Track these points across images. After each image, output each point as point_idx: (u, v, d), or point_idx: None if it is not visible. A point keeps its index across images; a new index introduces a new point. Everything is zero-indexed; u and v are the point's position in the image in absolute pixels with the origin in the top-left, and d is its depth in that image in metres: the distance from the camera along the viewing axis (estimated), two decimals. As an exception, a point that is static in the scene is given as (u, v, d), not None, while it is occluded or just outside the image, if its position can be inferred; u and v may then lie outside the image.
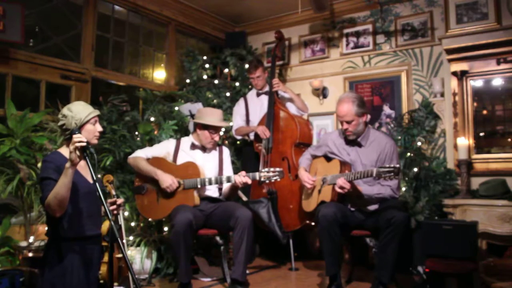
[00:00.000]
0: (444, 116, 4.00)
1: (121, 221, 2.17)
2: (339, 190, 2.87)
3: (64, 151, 2.16)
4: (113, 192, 2.26)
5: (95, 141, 2.19)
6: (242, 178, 3.03)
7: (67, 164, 1.93)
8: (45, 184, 2.02)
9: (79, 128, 2.11)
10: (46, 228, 2.14)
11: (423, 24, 4.35)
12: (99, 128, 2.20)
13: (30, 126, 3.12)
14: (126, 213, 3.45)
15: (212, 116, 3.25)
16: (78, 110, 2.13)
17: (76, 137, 1.94)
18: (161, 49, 4.93)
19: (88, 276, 2.08)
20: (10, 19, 3.21)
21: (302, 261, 4.02)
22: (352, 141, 3.12)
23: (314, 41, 5.06)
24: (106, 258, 2.18)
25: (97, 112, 2.19)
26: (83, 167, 2.18)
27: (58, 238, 2.06)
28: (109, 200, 2.17)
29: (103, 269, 2.16)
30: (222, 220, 3.08)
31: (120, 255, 2.14)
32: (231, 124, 4.37)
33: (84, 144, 1.93)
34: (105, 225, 2.20)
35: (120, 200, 2.19)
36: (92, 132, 2.16)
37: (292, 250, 3.78)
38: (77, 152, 1.92)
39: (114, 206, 2.15)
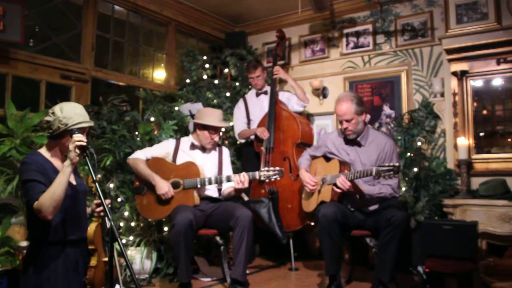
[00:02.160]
0: (444, 116, 3.99)
1: (111, 223, 2.12)
2: (338, 190, 2.87)
3: (45, 151, 2.08)
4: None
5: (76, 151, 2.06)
6: (241, 177, 3.02)
7: (66, 163, 1.91)
8: (30, 186, 1.92)
9: (64, 133, 1.99)
10: (27, 232, 2.07)
11: (423, 24, 4.35)
12: (83, 139, 2.04)
13: (30, 126, 3.12)
14: (126, 213, 3.45)
15: (212, 116, 3.25)
16: (70, 115, 2.01)
17: (77, 136, 1.92)
18: (161, 49, 4.93)
19: (74, 282, 2.02)
20: (10, 19, 3.20)
21: (302, 261, 4.02)
22: (352, 141, 3.12)
23: (314, 41, 5.06)
24: (93, 262, 2.09)
25: (88, 124, 2.07)
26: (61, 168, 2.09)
27: (42, 242, 1.99)
28: (95, 202, 2.11)
29: (90, 273, 2.06)
30: (222, 220, 3.08)
31: (106, 259, 2.06)
32: (231, 124, 4.38)
33: (84, 144, 1.92)
34: (91, 228, 2.10)
35: (107, 201, 2.07)
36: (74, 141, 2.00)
37: (292, 250, 3.78)
38: (77, 151, 1.91)
39: (101, 208, 2.05)
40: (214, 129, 3.24)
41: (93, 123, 2.16)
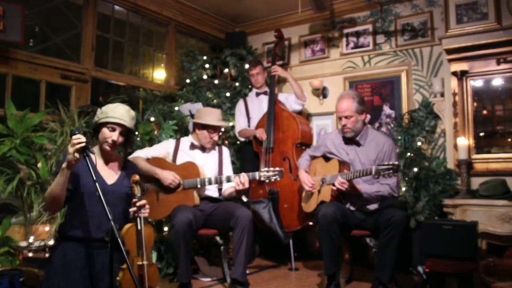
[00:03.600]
0: (444, 116, 3.99)
1: (141, 225, 2.05)
2: (338, 187, 2.86)
3: (95, 149, 2.17)
4: (138, 193, 2.10)
5: (105, 147, 2.15)
6: (241, 178, 3.02)
7: (64, 164, 1.92)
8: (53, 180, 2.05)
9: (96, 126, 2.14)
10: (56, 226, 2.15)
11: (423, 24, 4.35)
12: (114, 136, 2.12)
13: (30, 126, 3.13)
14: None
15: (211, 116, 3.25)
16: (106, 111, 2.13)
17: (75, 137, 1.90)
18: (161, 49, 4.93)
19: (75, 278, 2.01)
20: (10, 19, 3.20)
21: (302, 261, 4.02)
22: (351, 141, 3.12)
23: (314, 41, 5.06)
24: (124, 264, 2.04)
25: (116, 120, 2.11)
26: (101, 167, 2.17)
27: (66, 237, 2.06)
28: (133, 201, 2.10)
29: (120, 275, 2.00)
30: (222, 220, 3.08)
31: (140, 263, 2.03)
32: (231, 124, 4.38)
33: (83, 144, 1.89)
34: (124, 229, 2.07)
35: (140, 202, 2.07)
36: (104, 136, 2.13)
37: (292, 250, 3.78)
38: (76, 155, 1.89)
39: (134, 208, 2.06)
40: (213, 129, 3.24)
41: (128, 123, 2.15)
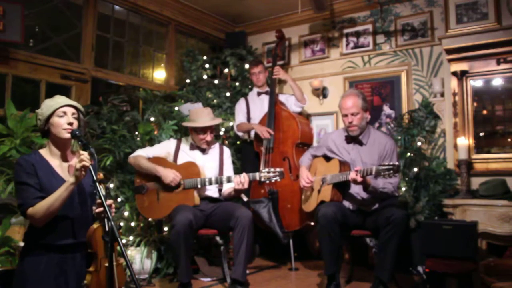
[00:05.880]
0: (444, 116, 3.99)
1: (110, 226, 1.87)
2: (352, 180, 2.79)
3: (44, 152, 2.08)
4: (103, 193, 1.95)
5: (66, 135, 2.02)
6: (241, 178, 3.02)
7: (71, 179, 1.89)
8: (22, 189, 1.92)
9: (47, 123, 2.03)
10: (25, 232, 2.04)
11: (423, 24, 4.35)
12: (68, 120, 2.03)
13: (30, 126, 3.12)
14: (126, 213, 3.45)
15: (198, 117, 3.23)
16: (46, 106, 2.06)
17: (86, 156, 1.87)
18: (161, 49, 4.93)
19: (66, 286, 1.96)
20: (10, 19, 3.21)
21: (302, 261, 4.02)
22: (353, 140, 3.12)
23: (314, 41, 5.06)
24: (91, 267, 1.98)
25: (61, 104, 2.05)
26: (59, 166, 2.06)
27: (34, 244, 1.96)
28: (98, 201, 1.98)
29: (88, 279, 1.94)
30: (222, 220, 3.08)
31: (107, 264, 1.90)
32: (231, 124, 4.38)
33: (88, 165, 1.87)
34: (90, 230, 1.99)
35: (108, 202, 1.96)
36: (58, 125, 2.02)
37: (292, 250, 3.78)
38: (83, 173, 1.87)
39: (101, 208, 1.91)
40: (202, 130, 3.23)
41: (75, 104, 2.10)
